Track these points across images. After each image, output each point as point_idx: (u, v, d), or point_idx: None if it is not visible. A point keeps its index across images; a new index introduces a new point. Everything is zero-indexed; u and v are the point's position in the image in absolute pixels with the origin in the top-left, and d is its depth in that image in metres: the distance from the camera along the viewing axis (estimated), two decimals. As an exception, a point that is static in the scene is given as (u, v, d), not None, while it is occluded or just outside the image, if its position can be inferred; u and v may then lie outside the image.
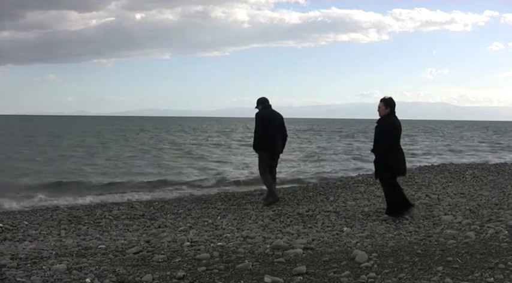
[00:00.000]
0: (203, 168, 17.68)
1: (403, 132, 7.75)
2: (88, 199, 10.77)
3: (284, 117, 9.47)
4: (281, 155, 9.53)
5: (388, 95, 7.61)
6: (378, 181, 11.98)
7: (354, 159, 21.58)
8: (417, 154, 24.35)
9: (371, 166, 17.88)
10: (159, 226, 7.31)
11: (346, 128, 77.13)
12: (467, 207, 8.11)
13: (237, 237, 6.26)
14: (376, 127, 7.55)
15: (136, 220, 7.86)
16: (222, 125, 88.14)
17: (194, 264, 4.85)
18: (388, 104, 7.49)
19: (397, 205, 7.50)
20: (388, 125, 7.42)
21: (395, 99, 7.64)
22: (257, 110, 9.25)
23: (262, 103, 9.25)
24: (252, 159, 14.36)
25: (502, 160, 20.09)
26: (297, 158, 21.39)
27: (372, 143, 7.60)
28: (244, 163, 18.66)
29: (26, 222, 7.69)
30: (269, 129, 9.11)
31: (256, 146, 9.28)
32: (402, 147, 7.60)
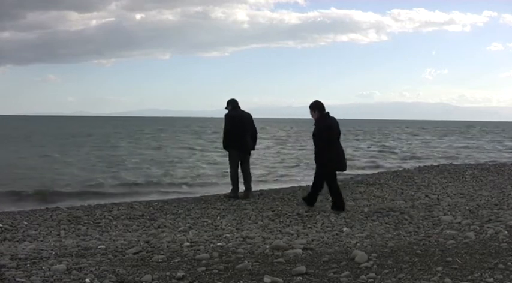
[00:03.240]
0: (203, 168, 17.70)
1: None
2: (88, 200, 10.78)
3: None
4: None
5: (313, 100, 8.34)
6: (378, 181, 12.05)
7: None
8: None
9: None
10: (159, 227, 7.31)
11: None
12: (467, 208, 8.11)
13: (237, 237, 6.26)
14: (314, 129, 8.24)
15: (136, 221, 7.86)
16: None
17: (194, 265, 4.85)
18: (313, 107, 8.26)
19: (315, 197, 8.50)
20: (322, 126, 8.09)
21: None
22: (227, 111, 9.85)
23: (231, 104, 9.83)
24: (251, 159, 14.42)
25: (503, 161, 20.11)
26: (296, 158, 21.40)
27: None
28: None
29: (25, 223, 7.68)
30: (238, 128, 9.69)
31: (225, 145, 9.86)
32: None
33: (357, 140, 40.23)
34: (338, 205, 8.24)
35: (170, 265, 4.85)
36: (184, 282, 4.34)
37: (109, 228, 7.31)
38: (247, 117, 9.92)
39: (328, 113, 8.22)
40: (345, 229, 6.73)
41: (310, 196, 8.66)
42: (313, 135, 8.27)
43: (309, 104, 8.36)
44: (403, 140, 41.08)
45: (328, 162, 8.10)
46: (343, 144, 8.57)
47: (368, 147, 30.48)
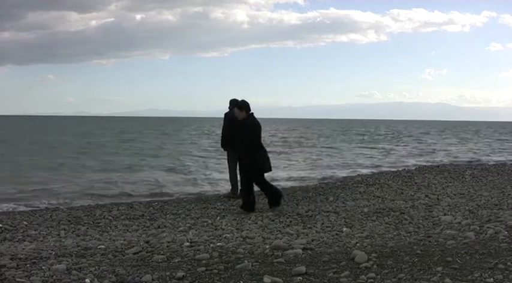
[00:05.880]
0: (203, 168, 17.70)
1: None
2: (87, 200, 10.78)
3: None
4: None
5: (241, 99, 8.35)
6: (377, 181, 12.06)
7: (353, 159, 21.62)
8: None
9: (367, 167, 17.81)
10: (159, 227, 7.31)
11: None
12: (467, 208, 8.11)
13: (237, 237, 6.26)
14: (240, 128, 8.18)
15: (136, 221, 7.86)
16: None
17: (194, 265, 4.85)
18: (242, 107, 8.24)
19: (253, 202, 8.24)
20: (249, 125, 8.09)
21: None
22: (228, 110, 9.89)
23: (231, 103, 9.81)
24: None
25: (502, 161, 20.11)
26: (297, 159, 21.41)
27: None
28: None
29: (25, 223, 7.69)
30: (236, 128, 9.54)
31: (223, 144, 9.95)
32: None
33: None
34: (276, 201, 8.31)
35: (170, 265, 4.85)
36: (184, 282, 4.34)
37: (109, 228, 7.32)
38: None
39: (253, 113, 8.24)
40: (344, 229, 6.72)
41: (251, 201, 8.33)
42: (241, 135, 8.12)
43: (236, 102, 8.35)
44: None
45: (257, 162, 8.10)
46: None
47: None
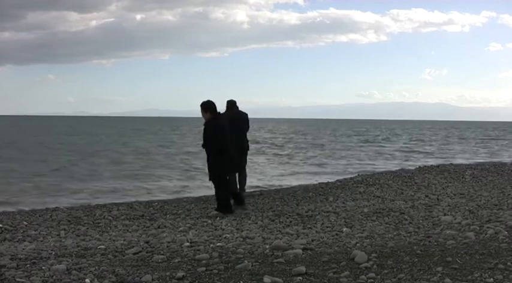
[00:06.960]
0: (203, 167, 17.70)
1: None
2: (87, 200, 10.78)
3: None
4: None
5: (205, 99, 8.11)
6: (378, 181, 12.06)
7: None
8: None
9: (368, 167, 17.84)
10: (159, 227, 7.31)
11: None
12: (467, 208, 8.11)
13: (237, 237, 6.26)
14: (204, 129, 7.99)
15: (136, 221, 7.86)
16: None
17: (194, 265, 4.85)
18: (205, 107, 8.02)
19: (227, 202, 8.08)
20: (214, 127, 7.90)
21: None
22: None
23: (227, 104, 9.80)
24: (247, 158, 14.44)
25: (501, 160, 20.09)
26: (296, 159, 21.40)
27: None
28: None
29: (25, 223, 7.69)
30: (232, 129, 9.49)
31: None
32: None
33: None
34: (219, 207, 8.14)
35: (170, 265, 4.85)
36: (184, 282, 4.34)
37: (109, 228, 7.32)
38: (241, 118, 9.80)
39: (220, 113, 8.12)
40: (344, 229, 6.72)
41: (224, 202, 8.22)
42: (206, 136, 8.01)
43: (200, 103, 8.12)
44: None
45: (224, 163, 8.03)
46: None
47: None
